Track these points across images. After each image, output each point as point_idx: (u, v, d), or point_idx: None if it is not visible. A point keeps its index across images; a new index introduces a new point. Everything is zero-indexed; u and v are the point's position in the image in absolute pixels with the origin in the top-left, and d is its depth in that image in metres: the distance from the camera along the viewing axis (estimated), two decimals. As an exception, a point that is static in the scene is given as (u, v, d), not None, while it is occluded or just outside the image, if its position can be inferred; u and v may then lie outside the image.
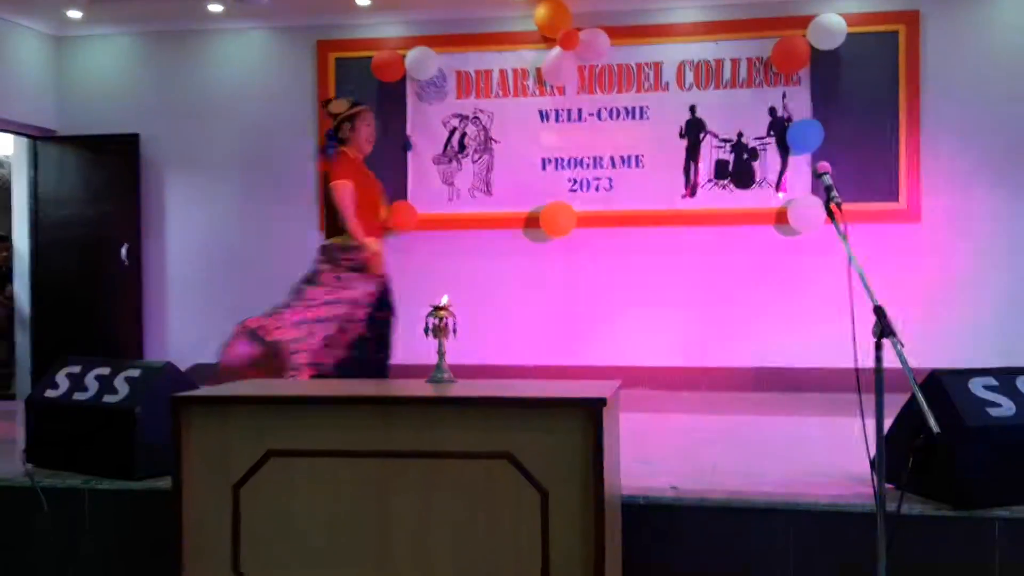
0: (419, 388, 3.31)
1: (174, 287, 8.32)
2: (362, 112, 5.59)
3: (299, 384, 3.58)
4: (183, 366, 7.71)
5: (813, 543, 3.59)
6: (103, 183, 8.31)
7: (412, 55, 7.80)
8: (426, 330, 3.49)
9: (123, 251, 8.18)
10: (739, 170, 7.51)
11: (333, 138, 5.60)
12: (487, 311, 7.83)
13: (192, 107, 8.26)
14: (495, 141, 7.88)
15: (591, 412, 2.99)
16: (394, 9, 7.86)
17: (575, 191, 7.75)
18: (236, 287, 8.17)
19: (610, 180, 7.71)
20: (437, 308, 3.50)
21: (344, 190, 5.41)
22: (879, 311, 2.99)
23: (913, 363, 2.88)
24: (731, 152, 7.52)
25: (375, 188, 5.60)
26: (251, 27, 8.16)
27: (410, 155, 7.95)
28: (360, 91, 7.96)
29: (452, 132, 7.94)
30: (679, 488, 3.86)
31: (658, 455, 4.63)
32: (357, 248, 5.41)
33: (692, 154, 7.58)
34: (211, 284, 8.22)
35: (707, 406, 6.68)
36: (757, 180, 7.48)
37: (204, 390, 3.47)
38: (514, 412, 3.05)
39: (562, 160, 7.79)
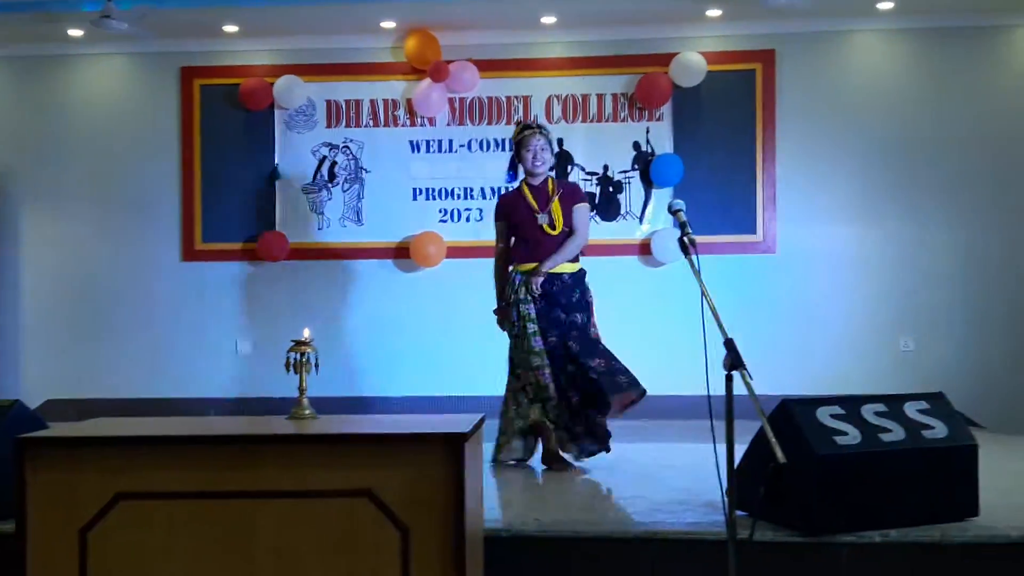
0: (277, 425, 3.25)
1: (29, 321, 7.99)
2: (523, 137, 5.43)
3: (150, 423, 3.49)
4: (36, 402, 7.47)
5: (672, 571, 3.67)
6: (-48, 213, 7.95)
7: (280, 83, 7.72)
8: (287, 365, 3.45)
9: (-27, 282, 7.82)
10: (605, 202, 7.67)
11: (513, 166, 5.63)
12: (358, 342, 7.78)
13: (50, 134, 7.98)
14: (365, 171, 7.85)
15: (452, 447, 2.99)
16: (262, 37, 7.78)
17: (445, 222, 7.78)
18: (96, 319, 7.93)
19: (480, 211, 7.76)
20: (298, 343, 3.46)
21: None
22: (729, 344, 3.09)
23: (768, 390, 2.98)
24: (597, 185, 7.67)
25: (529, 211, 5.43)
26: (113, 52, 7.94)
27: (279, 184, 7.85)
28: (226, 119, 7.87)
29: (322, 161, 7.88)
30: (542, 519, 3.89)
31: (522, 486, 4.66)
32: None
33: (560, 186, 7.69)
34: (69, 317, 7.94)
35: (574, 435, 6.73)
36: (622, 212, 7.65)
37: (51, 430, 3.34)
38: (374, 449, 3.02)
39: (433, 190, 7.81)
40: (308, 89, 7.79)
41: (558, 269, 5.41)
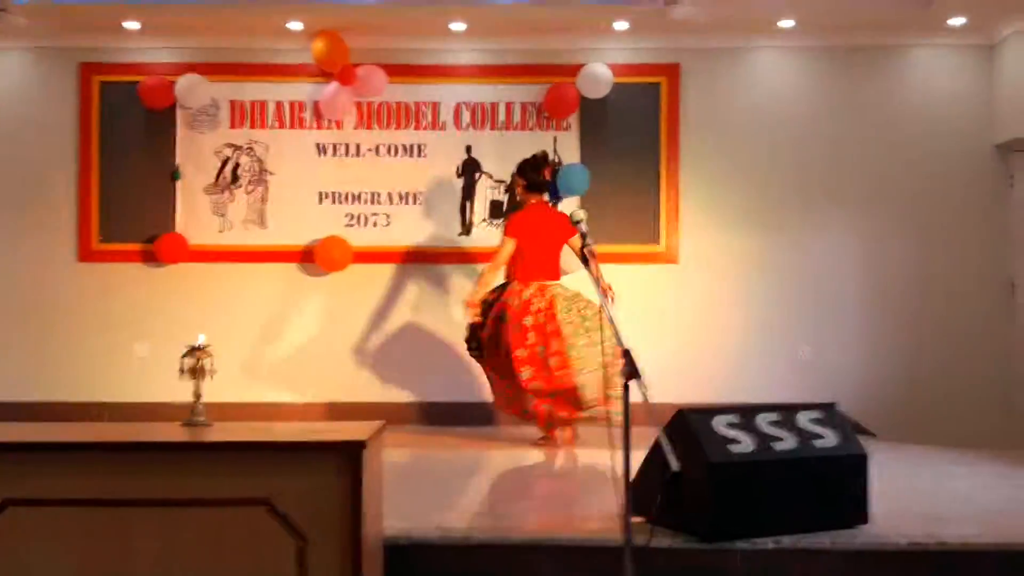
0: (171, 432, 3.20)
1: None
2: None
3: (40, 428, 3.39)
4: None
5: (571, 577, 3.70)
6: None
7: (182, 82, 7.56)
8: (181, 371, 3.39)
9: None
10: (512, 210, 7.68)
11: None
12: (259, 346, 7.66)
13: (-61, 131, 7.70)
14: (270, 173, 7.74)
15: (350, 455, 2.97)
16: (165, 34, 7.61)
17: (352, 226, 7.72)
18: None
19: (387, 216, 7.72)
20: (193, 348, 3.40)
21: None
22: (627, 354, 3.13)
23: (669, 398, 3.04)
24: (505, 193, 7.70)
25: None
26: (9, 47, 7.68)
27: (179, 184, 7.69)
28: (126, 117, 7.68)
29: (225, 162, 7.74)
30: (444, 527, 3.89)
31: (427, 493, 4.65)
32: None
33: (468, 193, 7.71)
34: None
35: (479, 441, 6.75)
36: (529, 220, 7.68)
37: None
38: (271, 457, 2.99)
39: (339, 194, 7.74)
40: (212, 89, 7.65)
41: None
